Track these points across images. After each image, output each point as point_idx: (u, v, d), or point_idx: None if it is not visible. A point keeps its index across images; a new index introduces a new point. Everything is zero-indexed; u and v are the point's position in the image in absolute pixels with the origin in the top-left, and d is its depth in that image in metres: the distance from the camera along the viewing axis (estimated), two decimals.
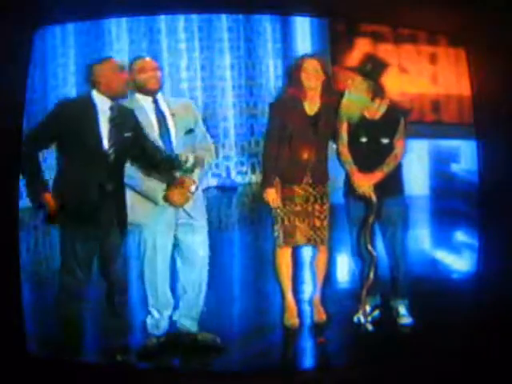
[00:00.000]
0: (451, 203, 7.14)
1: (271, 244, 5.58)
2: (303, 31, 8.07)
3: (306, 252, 5.90)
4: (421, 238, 6.95)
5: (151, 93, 5.15)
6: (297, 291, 5.70)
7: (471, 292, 5.10)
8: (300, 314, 5.59)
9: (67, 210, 4.77)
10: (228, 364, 5.12)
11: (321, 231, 5.48)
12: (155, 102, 5.16)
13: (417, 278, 5.69)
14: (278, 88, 8.49)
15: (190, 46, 8.43)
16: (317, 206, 5.46)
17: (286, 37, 8.40)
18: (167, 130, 5.15)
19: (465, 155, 7.68)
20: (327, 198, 5.48)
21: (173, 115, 5.17)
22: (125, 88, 4.93)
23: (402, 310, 5.55)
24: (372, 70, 5.31)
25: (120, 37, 8.09)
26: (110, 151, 4.82)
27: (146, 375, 4.88)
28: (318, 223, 5.47)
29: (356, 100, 5.34)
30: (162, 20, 8.14)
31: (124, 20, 7.86)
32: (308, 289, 5.86)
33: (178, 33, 8.34)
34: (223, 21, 8.44)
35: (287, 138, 5.37)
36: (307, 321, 5.60)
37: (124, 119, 4.90)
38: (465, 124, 7.19)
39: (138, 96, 5.15)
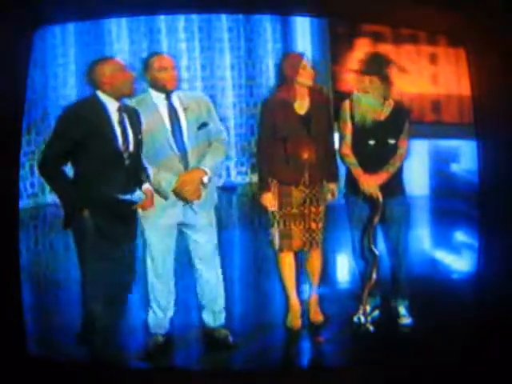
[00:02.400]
0: (451, 203, 7.14)
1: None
2: (303, 31, 8.08)
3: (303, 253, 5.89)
4: (421, 238, 6.96)
5: (167, 91, 5.04)
6: (299, 292, 5.68)
7: (471, 292, 5.09)
8: (301, 314, 5.58)
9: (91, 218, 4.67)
10: (228, 363, 5.13)
11: (316, 233, 5.45)
12: (168, 97, 5.05)
13: (417, 278, 5.69)
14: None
15: (191, 45, 8.44)
16: (312, 208, 5.42)
17: (286, 37, 8.41)
18: (179, 126, 5.03)
19: (465, 155, 7.70)
20: (323, 200, 5.45)
21: (185, 110, 5.06)
22: (131, 87, 4.79)
23: (402, 310, 5.54)
24: (388, 73, 5.31)
25: (120, 37, 8.11)
26: (125, 153, 4.72)
27: (146, 375, 4.87)
28: (313, 226, 5.44)
29: (373, 103, 5.32)
30: (162, 20, 8.15)
31: (124, 20, 7.87)
32: (307, 289, 5.85)
33: (178, 33, 8.35)
34: (223, 21, 8.45)
35: (281, 140, 5.35)
36: (307, 321, 5.59)
37: (131, 120, 4.79)
38: (465, 124, 7.21)
39: (152, 92, 5.05)
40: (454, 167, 7.83)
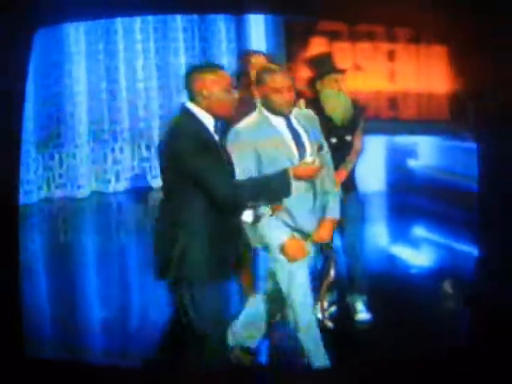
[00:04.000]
0: (408, 198, 7.21)
1: None
2: (258, 30, 8.13)
3: None
4: (378, 233, 6.99)
5: (285, 115, 4.34)
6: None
7: (429, 287, 5.11)
8: None
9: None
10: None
11: None
12: (288, 120, 4.37)
13: (375, 274, 5.69)
14: None
15: (146, 46, 8.50)
16: None
17: (240, 36, 8.46)
18: (304, 150, 4.37)
19: (422, 151, 7.77)
20: None
21: (306, 132, 4.41)
22: (231, 110, 3.98)
23: (360, 306, 5.53)
24: (343, 71, 5.37)
25: (78, 39, 8.13)
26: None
27: (146, 375, 4.81)
28: None
29: (338, 101, 5.33)
30: (119, 21, 8.17)
31: (81, 22, 7.88)
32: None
33: (134, 34, 8.40)
34: (178, 21, 8.49)
35: None
36: None
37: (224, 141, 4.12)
38: (423, 120, 7.26)
39: (267, 114, 4.35)
40: (412, 163, 7.89)
